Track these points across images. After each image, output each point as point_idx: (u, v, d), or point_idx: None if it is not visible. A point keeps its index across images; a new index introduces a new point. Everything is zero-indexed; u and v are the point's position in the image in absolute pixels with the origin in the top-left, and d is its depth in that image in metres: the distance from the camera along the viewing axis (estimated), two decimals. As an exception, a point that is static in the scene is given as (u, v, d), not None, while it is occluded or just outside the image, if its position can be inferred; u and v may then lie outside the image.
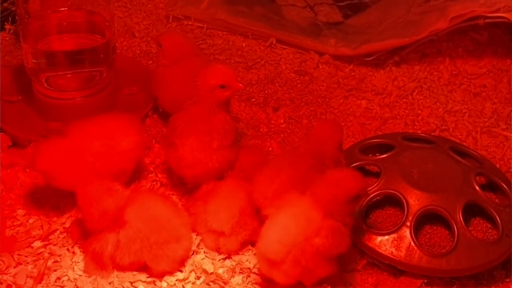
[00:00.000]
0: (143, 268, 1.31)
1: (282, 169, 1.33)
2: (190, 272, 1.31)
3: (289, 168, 1.33)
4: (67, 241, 1.36)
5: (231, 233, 1.33)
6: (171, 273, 1.31)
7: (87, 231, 1.29)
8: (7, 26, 1.91)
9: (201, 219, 1.35)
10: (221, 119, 1.39)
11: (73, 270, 1.31)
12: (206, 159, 1.38)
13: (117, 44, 1.75)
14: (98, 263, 1.28)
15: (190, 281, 1.30)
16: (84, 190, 1.27)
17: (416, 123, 1.69)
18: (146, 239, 1.27)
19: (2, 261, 1.32)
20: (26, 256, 1.34)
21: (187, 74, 1.55)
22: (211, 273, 1.31)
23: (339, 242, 1.22)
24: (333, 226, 1.22)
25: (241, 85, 1.41)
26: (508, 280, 1.35)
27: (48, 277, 1.30)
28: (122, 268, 1.30)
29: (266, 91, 1.76)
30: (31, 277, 1.30)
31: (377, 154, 1.49)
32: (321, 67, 1.85)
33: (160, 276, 1.30)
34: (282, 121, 1.67)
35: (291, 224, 1.22)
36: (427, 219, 1.36)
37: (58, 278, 1.30)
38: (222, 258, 1.35)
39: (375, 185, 1.39)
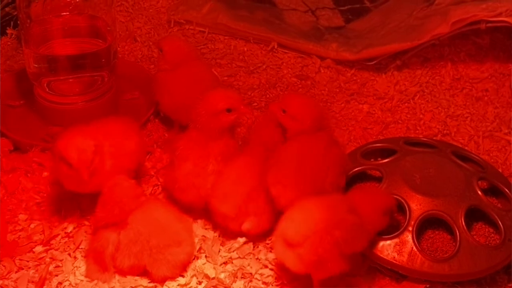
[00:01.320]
0: (144, 273, 1.30)
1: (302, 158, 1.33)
2: (192, 277, 1.31)
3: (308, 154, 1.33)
4: (68, 246, 1.36)
5: (235, 217, 1.34)
6: (172, 278, 1.30)
7: (92, 227, 1.31)
8: (9, 31, 1.92)
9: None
10: (221, 144, 1.38)
11: (75, 275, 1.31)
12: (199, 184, 1.38)
13: (118, 48, 1.76)
14: (100, 264, 1.29)
15: (191, 286, 1.30)
16: (114, 189, 1.28)
17: (418, 128, 1.69)
18: (146, 242, 1.27)
19: (4, 266, 1.32)
20: (28, 261, 1.34)
21: (189, 78, 1.56)
22: (213, 278, 1.31)
23: (357, 238, 1.24)
24: (354, 222, 1.24)
25: (247, 109, 1.40)
26: (510, 284, 1.34)
27: (50, 282, 1.30)
28: (123, 273, 1.30)
29: (268, 96, 1.76)
30: (32, 282, 1.30)
31: (379, 159, 1.49)
32: (322, 71, 1.85)
33: (161, 281, 1.30)
34: (283, 125, 1.67)
35: (315, 210, 1.24)
36: (429, 223, 1.36)
37: (60, 283, 1.30)
38: (224, 263, 1.35)
39: (377, 189, 1.39)
